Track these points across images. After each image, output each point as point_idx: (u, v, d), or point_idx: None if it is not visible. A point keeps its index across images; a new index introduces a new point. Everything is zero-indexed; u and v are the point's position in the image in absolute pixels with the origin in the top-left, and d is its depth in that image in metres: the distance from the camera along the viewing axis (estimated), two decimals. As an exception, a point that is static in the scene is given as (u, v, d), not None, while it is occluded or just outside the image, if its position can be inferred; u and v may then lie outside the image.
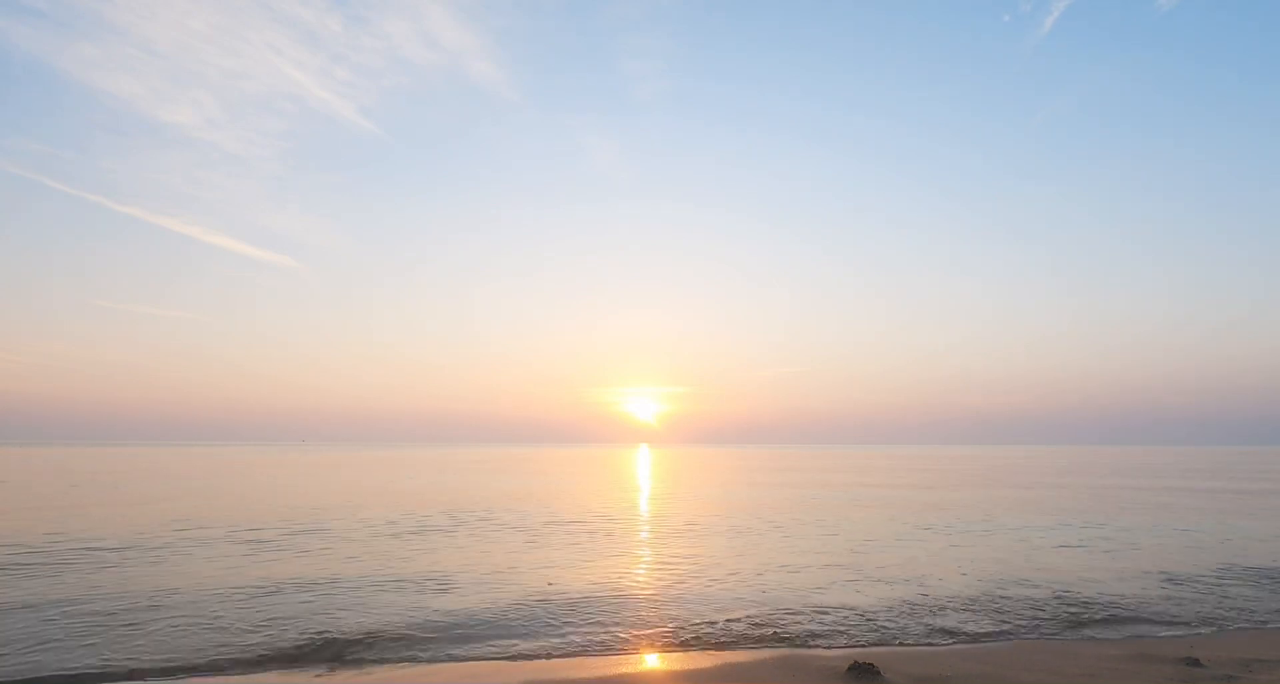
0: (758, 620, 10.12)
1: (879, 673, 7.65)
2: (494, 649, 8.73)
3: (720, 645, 9.03)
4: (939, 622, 10.21)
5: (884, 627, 9.94)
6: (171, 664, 8.00)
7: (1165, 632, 9.88)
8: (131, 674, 7.68)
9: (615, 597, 11.50)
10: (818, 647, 8.96)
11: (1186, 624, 10.28)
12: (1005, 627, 10.03)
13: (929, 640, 9.34)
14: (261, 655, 8.36)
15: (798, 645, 9.02)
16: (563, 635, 9.33)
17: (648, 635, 9.42)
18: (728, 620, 10.07)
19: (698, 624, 9.89)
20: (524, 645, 8.90)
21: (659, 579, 12.95)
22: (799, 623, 10.05)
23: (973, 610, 10.83)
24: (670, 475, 54.16)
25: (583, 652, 8.72)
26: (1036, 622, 10.25)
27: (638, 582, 12.72)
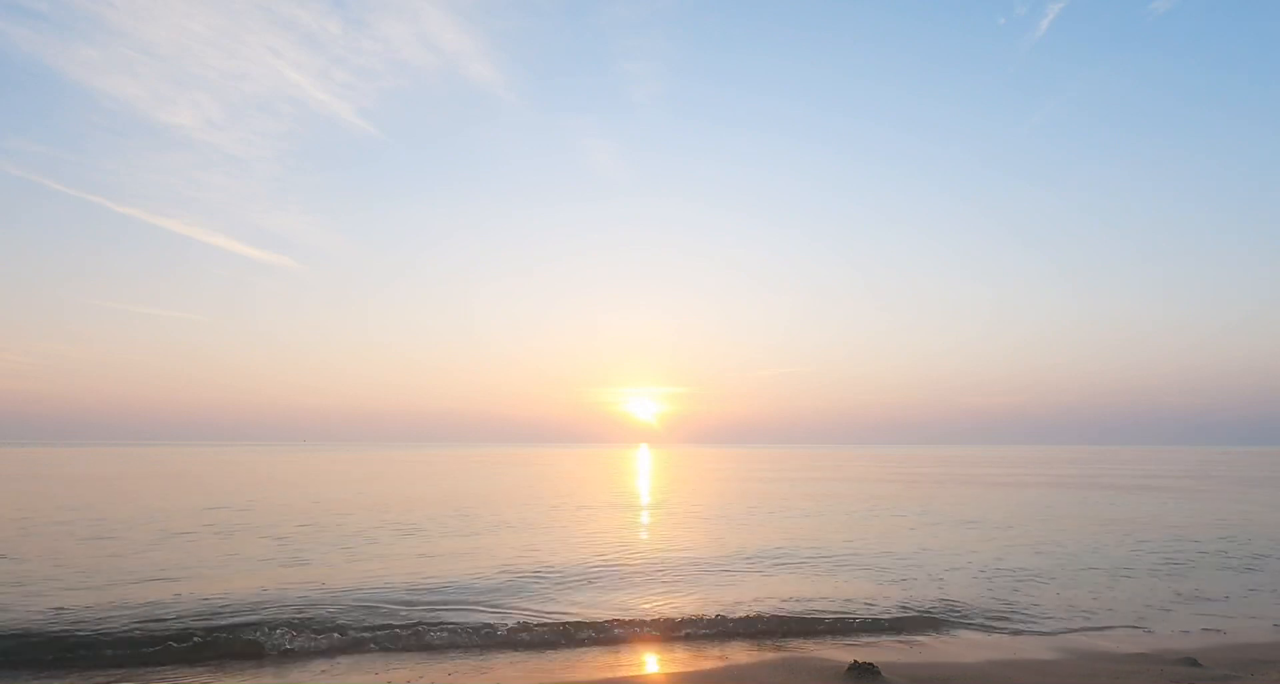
0: (758, 618, 10.13)
1: (879, 673, 7.66)
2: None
3: (719, 644, 9.05)
4: (940, 620, 10.22)
5: (885, 625, 9.95)
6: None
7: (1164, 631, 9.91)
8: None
9: (618, 594, 11.56)
10: (818, 646, 8.98)
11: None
12: (1006, 626, 10.06)
13: (930, 639, 9.36)
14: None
15: (798, 645, 9.04)
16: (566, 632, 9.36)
17: (645, 634, 9.45)
18: (727, 618, 10.08)
19: (697, 622, 9.89)
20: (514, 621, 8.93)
21: (663, 575, 12.99)
22: (800, 621, 10.08)
23: (975, 609, 10.84)
24: (687, 477, 54.17)
25: (579, 646, 8.75)
26: (1037, 620, 10.28)
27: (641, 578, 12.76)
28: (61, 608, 10.12)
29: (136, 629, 9.05)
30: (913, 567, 14.48)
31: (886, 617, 10.43)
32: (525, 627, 9.59)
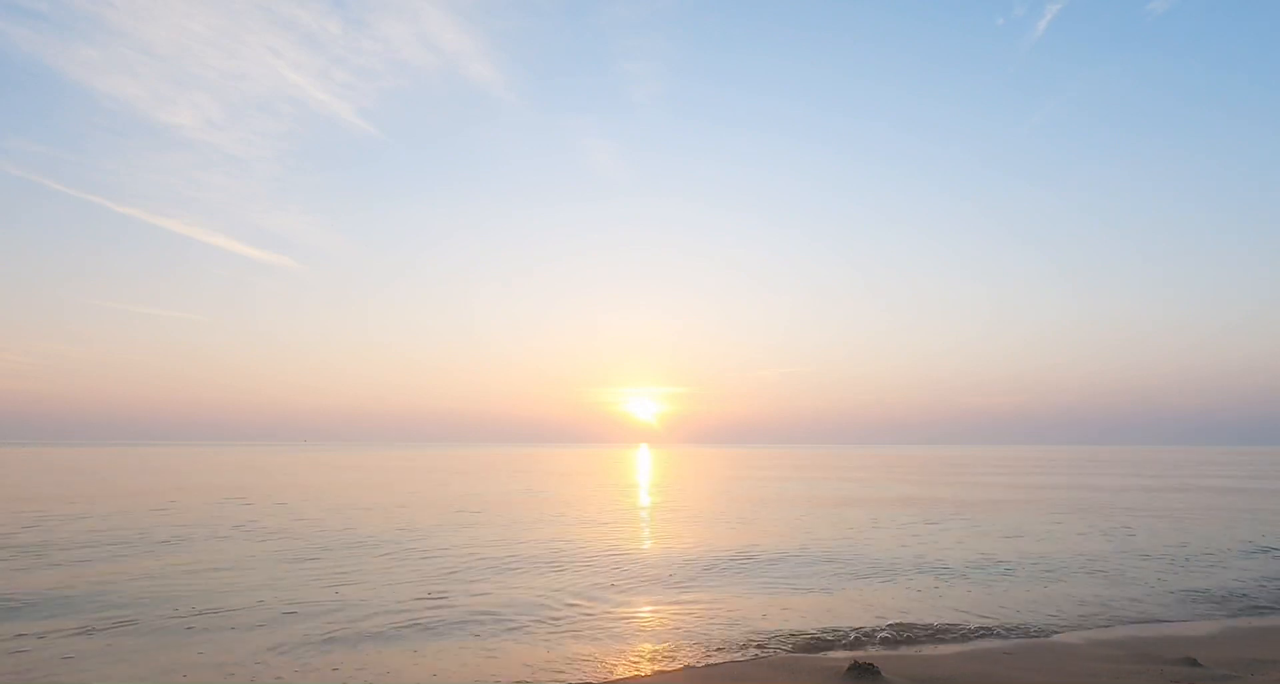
0: (758, 619, 10.13)
1: (879, 673, 7.65)
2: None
3: (719, 644, 9.04)
4: (939, 620, 10.21)
5: (884, 625, 9.94)
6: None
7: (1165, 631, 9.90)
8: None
9: (618, 592, 11.54)
10: (818, 646, 8.98)
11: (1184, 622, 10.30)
12: (1006, 626, 10.05)
13: (929, 639, 9.36)
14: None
15: (798, 645, 9.04)
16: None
17: (644, 634, 9.44)
18: (727, 619, 10.09)
19: (696, 622, 9.90)
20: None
21: (664, 578, 12.97)
22: (799, 621, 10.08)
23: (975, 607, 10.83)
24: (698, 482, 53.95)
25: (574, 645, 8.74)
26: (1037, 620, 10.27)
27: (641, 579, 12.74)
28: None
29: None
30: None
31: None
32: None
